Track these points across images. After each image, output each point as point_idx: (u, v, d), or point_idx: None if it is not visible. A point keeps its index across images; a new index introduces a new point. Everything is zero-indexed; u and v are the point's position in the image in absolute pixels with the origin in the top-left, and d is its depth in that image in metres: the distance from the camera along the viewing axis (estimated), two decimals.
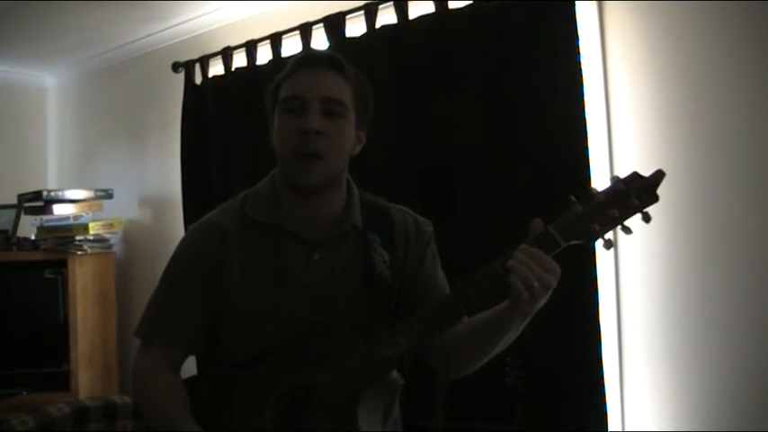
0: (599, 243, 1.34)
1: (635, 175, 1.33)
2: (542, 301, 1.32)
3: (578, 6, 2.25)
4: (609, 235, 1.34)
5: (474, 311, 1.41)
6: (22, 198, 3.72)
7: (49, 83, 4.48)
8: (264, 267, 1.52)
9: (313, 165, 1.46)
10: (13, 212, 3.82)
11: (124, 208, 3.92)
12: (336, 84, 1.49)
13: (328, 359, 1.41)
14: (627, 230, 1.33)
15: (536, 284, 1.27)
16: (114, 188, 3.87)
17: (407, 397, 1.63)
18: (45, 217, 3.66)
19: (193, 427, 1.42)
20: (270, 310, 1.50)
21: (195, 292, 1.54)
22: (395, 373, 1.50)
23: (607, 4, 2.31)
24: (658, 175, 1.32)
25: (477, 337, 1.47)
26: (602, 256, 2.19)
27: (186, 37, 3.58)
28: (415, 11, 2.62)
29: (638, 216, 1.32)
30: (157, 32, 3.67)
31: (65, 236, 3.62)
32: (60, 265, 3.58)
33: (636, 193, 1.31)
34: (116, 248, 3.88)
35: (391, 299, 1.54)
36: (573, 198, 1.34)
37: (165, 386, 1.52)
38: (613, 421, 2.21)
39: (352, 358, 1.41)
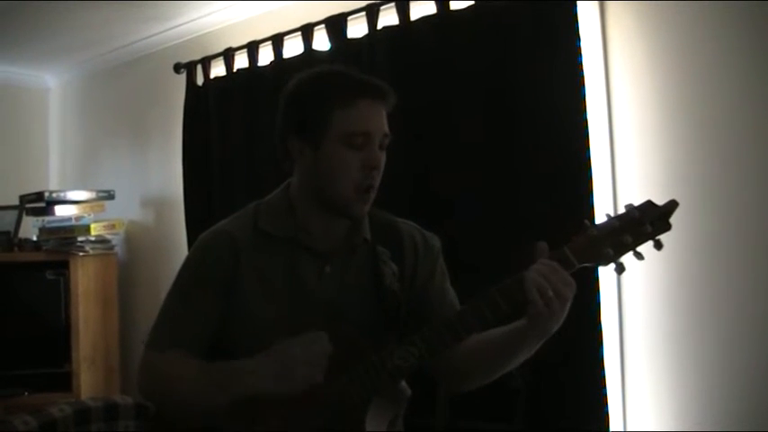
0: (611, 267, 1.38)
1: (648, 204, 1.38)
2: (560, 320, 1.34)
3: (579, 6, 2.25)
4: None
5: (487, 327, 1.41)
6: (24, 199, 3.73)
7: (50, 83, 4.49)
8: (277, 279, 1.53)
9: (369, 197, 1.49)
10: (14, 213, 3.81)
11: (126, 209, 3.92)
12: (385, 117, 1.51)
13: (339, 367, 1.41)
14: (639, 256, 1.37)
15: (551, 294, 1.29)
16: (116, 189, 3.86)
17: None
18: (47, 218, 3.67)
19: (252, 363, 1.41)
20: (281, 322, 1.49)
21: (206, 301, 1.53)
22: (403, 384, 1.51)
23: (608, 4, 2.31)
24: (671, 205, 1.37)
25: (490, 355, 1.48)
26: None
27: (188, 38, 3.59)
28: (416, 12, 2.62)
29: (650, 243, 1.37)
30: (159, 33, 3.68)
31: (66, 237, 3.62)
32: (62, 266, 3.59)
33: (649, 221, 1.35)
34: (118, 249, 3.88)
35: (400, 311, 1.55)
36: (587, 222, 1.39)
37: (194, 367, 1.48)
38: (615, 421, 2.21)
39: (364, 366, 1.41)
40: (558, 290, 1.30)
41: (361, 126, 1.45)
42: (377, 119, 1.48)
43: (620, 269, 1.37)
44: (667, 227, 1.36)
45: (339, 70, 1.58)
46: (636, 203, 1.39)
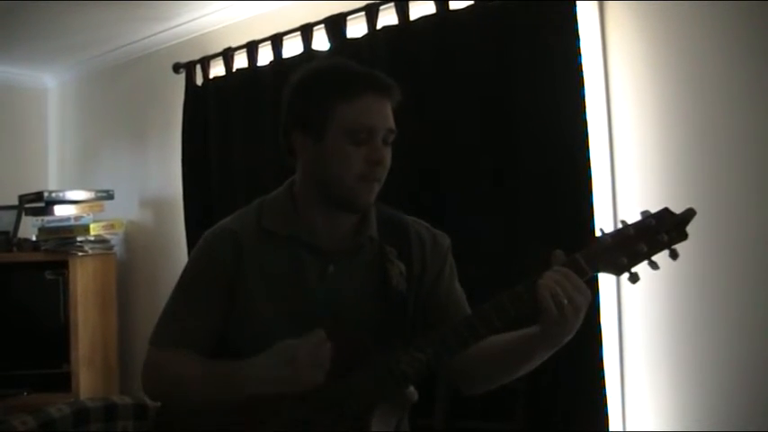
0: (624, 276, 1.35)
1: (665, 211, 1.33)
2: (573, 329, 1.32)
3: (579, 6, 2.25)
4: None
5: (495, 333, 1.39)
6: (23, 199, 3.73)
7: (49, 84, 4.49)
8: (280, 277, 1.51)
9: (374, 188, 1.47)
10: (14, 213, 3.82)
11: (125, 209, 3.93)
12: (391, 113, 1.49)
13: (343, 368, 1.40)
14: (654, 266, 1.33)
15: (566, 302, 1.27)
16: (115, 189, 3.87)
17: None
18: (46, 218, 3.66)
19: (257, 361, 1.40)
20: (284, 321, 1.48)
21: (209, 300, 1.52)
22: (411, 388, 1.49)
23: (608, 5, 2.31)
24: (688, 214, 1.31)
25: (501, 361, 1.46)
26: None
27: (187, 38, 3.59)
28: (415, 12, 2.62)
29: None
30: (158, 33, 3.68)
31: (66, 237, 3.62)
32: (61, 266, 3.59)
33: (665, 230, 1.31)
34: (117, 249, 3.88)
35: (407, 311, 1.53)
36: (602, 229, 1.35)
37: (197, 366, 1.48)
38: (614, 421, 2.21)
39: (370, 370, 1.40)
40: (571, 297, 1.28)
41: (364, 121, 1.43)
42: (381, 113, 1.45)
43: (634, 279, 1.34)
44: (684, 236, 1.31)
45: (344, 63, 1.55)
46: (651, 210, 1.34)
